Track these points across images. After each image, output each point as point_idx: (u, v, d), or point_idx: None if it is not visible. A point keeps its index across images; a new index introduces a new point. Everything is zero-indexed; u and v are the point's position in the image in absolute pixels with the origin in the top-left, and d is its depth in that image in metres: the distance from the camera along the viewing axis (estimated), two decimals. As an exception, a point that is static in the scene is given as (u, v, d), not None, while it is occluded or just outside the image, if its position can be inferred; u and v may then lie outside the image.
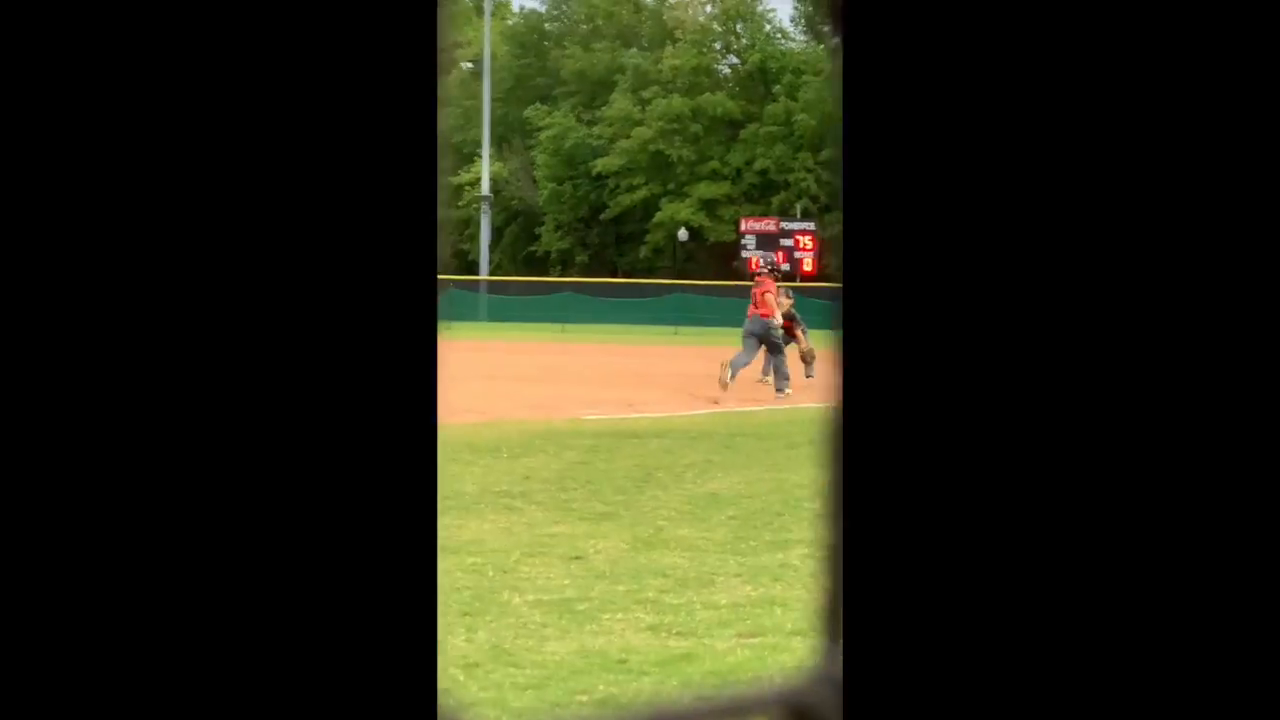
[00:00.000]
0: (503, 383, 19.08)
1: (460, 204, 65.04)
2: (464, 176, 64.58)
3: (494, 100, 63.40)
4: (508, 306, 51.67)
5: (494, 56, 64.40)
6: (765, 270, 19.19)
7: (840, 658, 0.68)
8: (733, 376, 17.72)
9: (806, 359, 19.53)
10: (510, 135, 65.93)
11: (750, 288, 19.02)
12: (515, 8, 74.91)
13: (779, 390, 17.86)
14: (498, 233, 64.88)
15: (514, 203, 65.67)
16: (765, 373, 19.40)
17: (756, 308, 18.32)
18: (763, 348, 18.27)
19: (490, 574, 6.59)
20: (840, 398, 1.05)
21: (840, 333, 1.06)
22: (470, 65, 66.90)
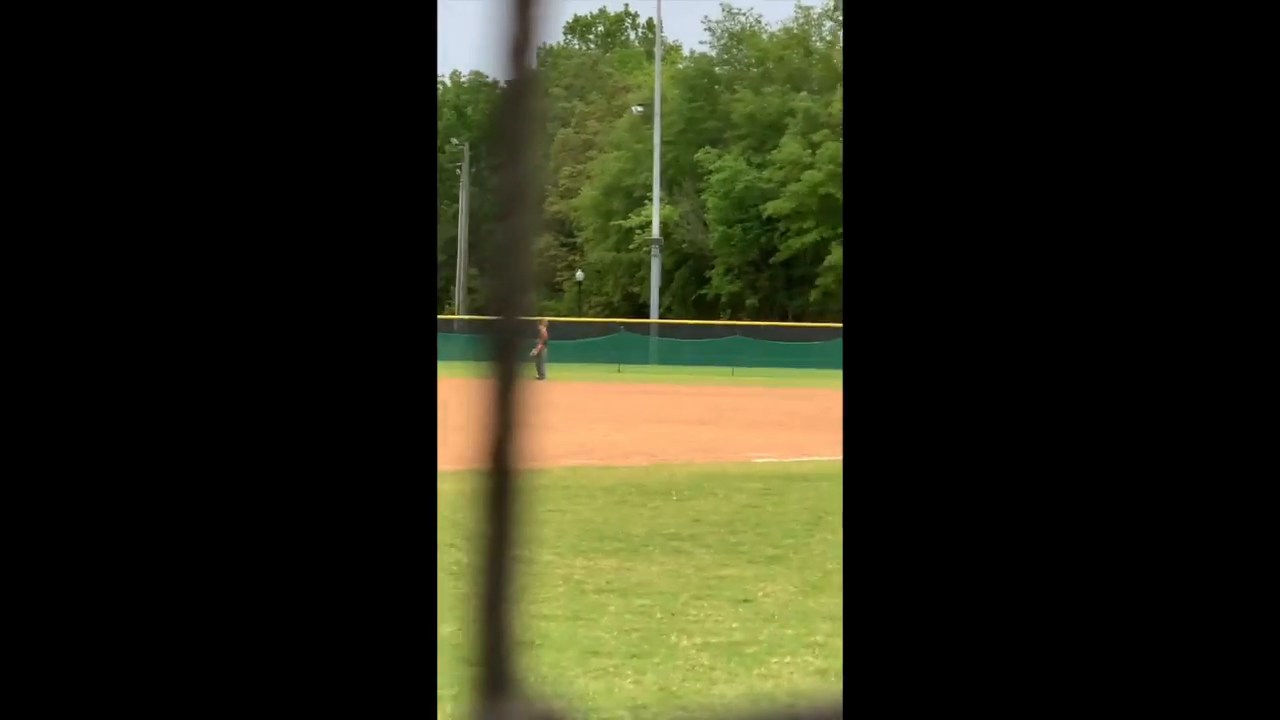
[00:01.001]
0: (673, 425, 19.11)
1: (631, 247, 65.40)
2: (634, 220, 64.95)
3: (664, 144, 63.75)
4: (678, 350, 51.81)
5: (665, 100, 64.78)
6: None
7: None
8: None
9: None
10: (681, 178, 66.18)
11: None
12: (686, 52, 75.34)
13: None
14: (668, 276, 65.13)
15: (684, 246, 65.88)
16: None
17: None
18: None
19: (658, 616, 6.60)
20: (845, 399, 1.05)
21: (843, 336, 1.07)
22: (640, 109, 67.37)
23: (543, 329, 37.79)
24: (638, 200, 65.33)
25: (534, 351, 36.26)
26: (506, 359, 0.67)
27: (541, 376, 35.83)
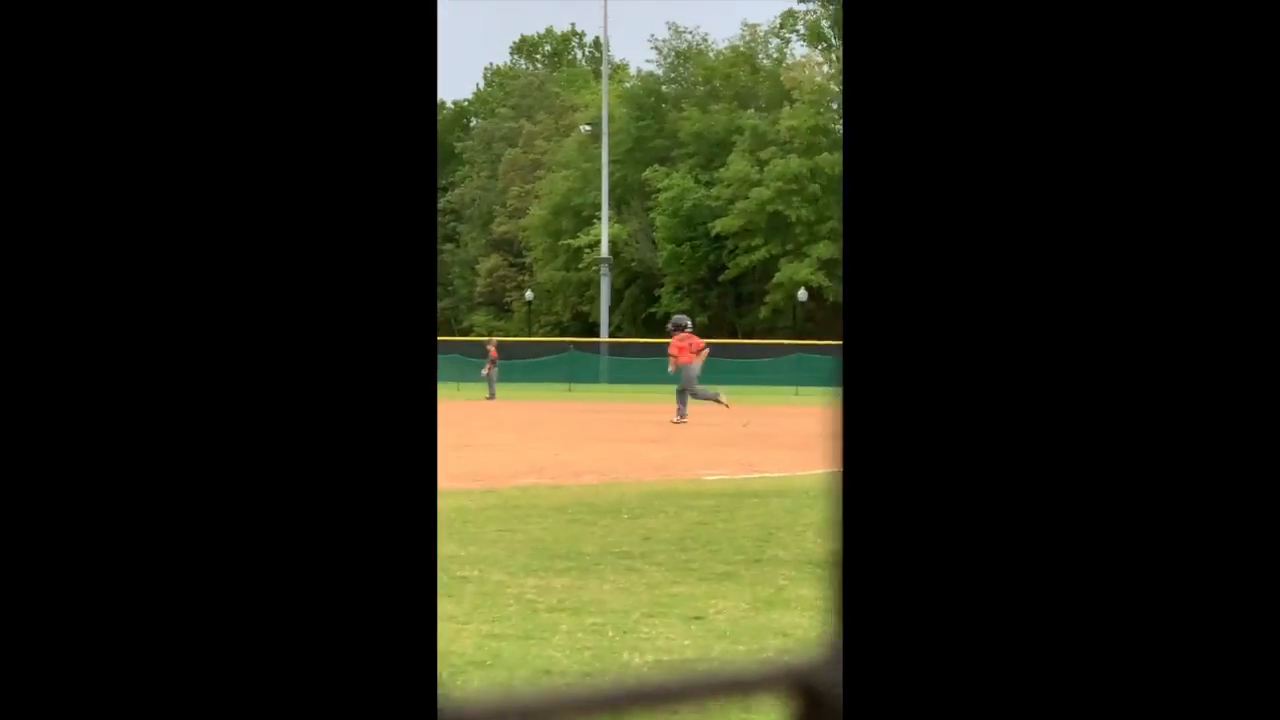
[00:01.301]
0: (623, 444, 19.11)
1: (580, 266, 65.36)
2: (583, 239, 64.93)
3: (612, 162, 63.78)
4: (628, 368, 51.78)
5: (612, 119, 64.82)
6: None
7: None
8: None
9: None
10: (629, 197, 66.22)
11: None
12: (633, 70, 75.40)
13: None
14: (617, 294, 65.12)
15: (633, 264, 65.91)
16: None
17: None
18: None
19: (610, 634, 6.60)
20: (841, 403, 1.06)
21: (842, 341, 1.08)
22: (588, 128, 67.39)
23: (492, 349, 38.07)
24: (586, 219, 65.34)
25: (484, 371, 36.81)
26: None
27: (492, 396, 35.94)
